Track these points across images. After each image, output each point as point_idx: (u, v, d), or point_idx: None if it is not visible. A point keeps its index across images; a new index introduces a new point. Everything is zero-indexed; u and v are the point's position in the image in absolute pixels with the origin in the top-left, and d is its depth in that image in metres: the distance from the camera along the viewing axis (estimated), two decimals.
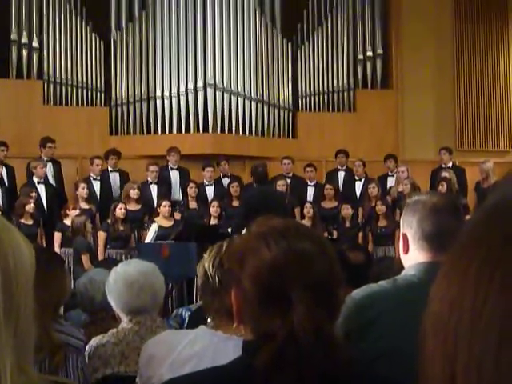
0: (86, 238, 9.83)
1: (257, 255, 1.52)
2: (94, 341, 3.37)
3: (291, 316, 1.45)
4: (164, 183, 11.94)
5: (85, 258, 9.50)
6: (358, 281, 3.00)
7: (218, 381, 1.54)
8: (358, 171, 12.46)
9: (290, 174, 12.34)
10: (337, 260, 1.58)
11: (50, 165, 11.77)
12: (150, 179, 11.82)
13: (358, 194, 12.34)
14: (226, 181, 12.11)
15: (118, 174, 12.06)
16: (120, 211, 10.46)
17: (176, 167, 12.23)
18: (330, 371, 1.44)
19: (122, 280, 3.36)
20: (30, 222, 10.23)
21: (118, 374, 3.30)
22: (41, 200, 11.03)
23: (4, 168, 11.40)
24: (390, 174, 12.50)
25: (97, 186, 11.67)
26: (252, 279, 1.51)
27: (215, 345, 2.45)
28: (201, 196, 11.74)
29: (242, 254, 1.55)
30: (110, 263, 6.58)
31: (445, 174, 11.69)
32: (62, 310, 4.10)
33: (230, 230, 9.64)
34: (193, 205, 11.49)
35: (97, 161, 11.75)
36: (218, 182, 12.15)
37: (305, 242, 1.54)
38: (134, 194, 11.09)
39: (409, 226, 2.52)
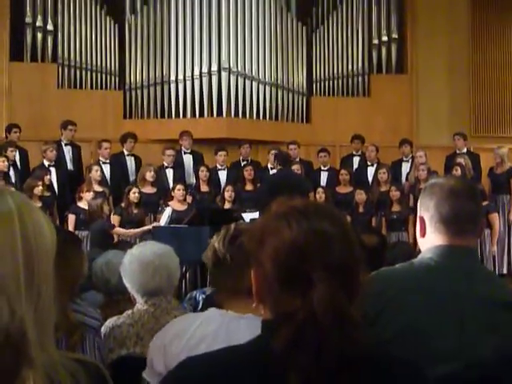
0: (103, 220, 9.88)
1: (277, 235, 1.52)
2: (110, 322, 3.39)
3: (311, 296, 1.44)
4: (179, 167, 11.94)
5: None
6: (372, 264, 3.00)
7: (237, 359, 1.54)
8: (371, 156, 12.42)
9: (297, 159, 12.28)
10: (357, 241, 1.57)
11: (69, 148, 11.81)
12: (166, 163, 11.82)
13: (370, 179, 12.30)
14: (243, 165, 12.08)
15: (133, 158, 12.07)
16: (134, 195, 10.46)
17: (189, 151, 12.22)
18: (348, 352, 1.44)
19: (137, 261, 3.38)
20: (39, 205, 10.20)
21: (134, 355, 3.32)
22: (52, 183, 11.05)
23: (17, 151, 11.44)
24: (404, 159, 12.46)
25: (106, 169, 11.67)
26: (272, 259, 1.51)
27: (227, 324, 2.47)
28: (214, 180, 11.74)
29: (262, 234, 1.55)
30: (124, 245, 6.60)
31: (459, 159, 11.64)
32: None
33: (243, 214, 9.67)
34: (204, 188, 11.49)
35: (105, 144, 11.74)
36: (234, 166, 12.11)
37: (326, 223, 1.54)
38: (149, 176, 11.10)
39: (426, 209, 2.51)
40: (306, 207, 1.57)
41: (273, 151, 11.85)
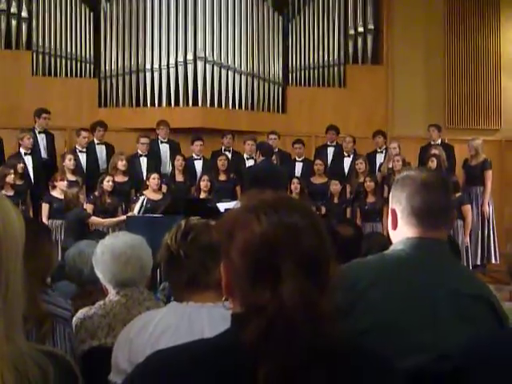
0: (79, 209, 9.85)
1: (247, 228, 1.52)
2: (81, 313, 3.37)
3: (281, 289, 1.44)
4: (153, 156, 11.90)
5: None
6: (348, 255, 3.01)
7: (207, 352, 1.53)
8: (348, 147, 12.44)
9: (276, 150, 12.28)
10: (327, 234, 1.57)
11: (42, 136, 11.73)
12: (140, 151, 11.78)
13: (346, 170, 12.33)
14: (228, 154, 12.05)
15: (104, 147, 12.00)
16: (108, 184, 10.44)
17: (166, 140, 12.19)
18: (319, 345, 1.44)
19: (109, 252, 3.36)
20: (11, 193, 10.15)
21: (105, 346, 3.30)
22: (27, 171, 10.99)
23: None
24: (378, 150, 12.50)
25: (83, 158, 11.61)
26: (241, 252, 1.51)
27: (188, 314, 2.54)
28: (189, 170, 11.71)
29: (232, 228, 1.54)
30: (99, 235, 6.57)
31: (434, 150, 11.69)
32: (49, 280, 4.09)
33: (218, 204, 9.66)
34: (179, 178, 11.47)
35: (83, 133, 11.68)
36: (215, 156, 12.06)
37: (296, 216, 1.54)
38: (121, 165, 11.06)
39: (398, 202, 2.52)
40: (276, 201, 1.57)
41: (250, 142, 11.85)
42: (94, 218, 10.11)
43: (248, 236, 1.51)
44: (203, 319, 2.50)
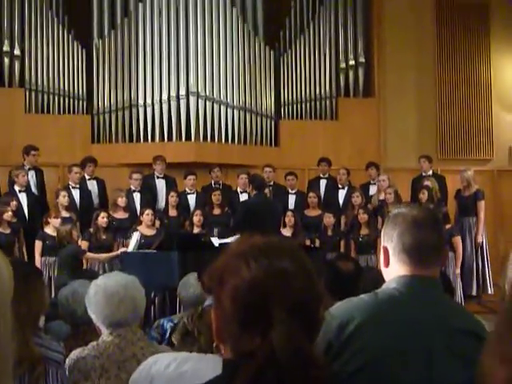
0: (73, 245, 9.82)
1: (236, 274, 1.52)
2: (74, 354, 3.35)
3: (271, 336, 1.44)
4: (147, 191, 11.91)
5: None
6: (348, 290, 3.00)
7: None
8: (342, 179, 12.47)
9: (271, 182, 12.33)
10: (317, 277, 1.58)
11: (32, 173, 11.71)
12: (133, 187, 11.78)
13: (341, 202, 12.34)
14: (211, 189, 12.06)
15: (95, 182, 12.02)
16: (102, 220, 10.42)
17: (162, 176, 12.20)
18: None
19: (102, 292, 3.35)
20: (8, 231, 10.16)
21: None
22: (22, 209, 10.97)
23: None
24: (371, 182, 12.53)
25: (76, 194, 11.60)
26: (231, 298, 1.51)
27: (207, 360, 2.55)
28: (183, 204, 11.71)
29: (222, 273, 1.55)
30: (91, 274, 6.55)
31: (426, 182, 11.72)
32: (42, 320, 4.07)
33: (212, 238, 9.65)
34: (173, 213, 11.46)
35: (75, 169, 11.68)
36: (205, 190, 12.08)
37: (286, 261, 1.54)
38: (121, 201, 11.07)
39: (389, 239, 2.52)
40: (266, 245, 1.57)
41: (243, 175, 11.87)
42: (89, 254, 10.10)
43: (237, 282, 1.51)
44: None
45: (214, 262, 1.58)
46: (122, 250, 10.27)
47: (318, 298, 1.56)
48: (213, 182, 12.30)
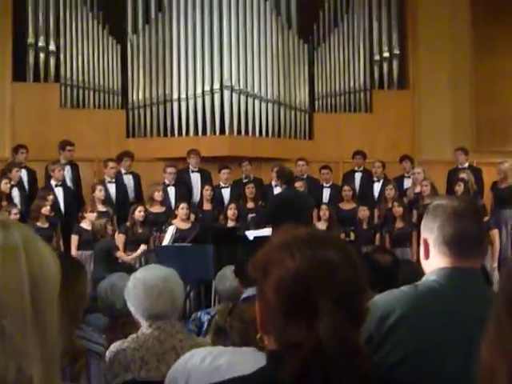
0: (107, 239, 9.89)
1: (281, 265, 1.52)
2: (114, 346, 3.38)
3: (317, 327, 1.44)
4: (182, 185, 11.95)
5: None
6: (385, 283, 2.99)
7: None
8: (377, 172, 12.43)
9: (305, 176, 12.32)
10: (362, 268, 1.57)
11: (68, 168, 11.82)
12: (167, 181, 11.83)
13: (375, 195, 12.30)
14: (244, 182, 12.08)
15: (131, 176, 12.10)
16: (139, 214, 10.46)
17: (197, 169, 12.24)
18: (355, 382, 1.43)
19: (141, 285, 3.37)
20: (46, 225, 10.26)
21: (139, 379, 3.32)
22: (58, 203, 11.07)
23: (25, 171, 11.50)
24: (406, 175, 12.47)
25: (112, 188, 11.69)
26: (276, 289, 1.51)
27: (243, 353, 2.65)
28: (217, 198, 11.74)
29: (266, 264, 1.54)
30: (128, 267, 6.60)
31: (462, 174, 11.64)
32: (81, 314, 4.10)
33: (246, 232, 9.66)
34: (207, 207, 11.50)
35: (111, 163, 11.77)
36: (237, 184, 12.12)
37: (330, 251, 1.54)
38: (158, 196, 11.12)
39: (429, 232, 2.50)
40: (310, 236, 1.57)
41: (275, 168, 11.88)
42: (118, 253, 10.12)
43: (282, 273, 1.51)
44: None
45: (258, 254, 1.58)
46: (143, 248, 10.27)
47: (363, 288, 1.55)
48: (243, 176, 12.31)
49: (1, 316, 1.01)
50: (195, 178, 12.21)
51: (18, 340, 1.19)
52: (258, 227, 9.92)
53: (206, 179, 12.07)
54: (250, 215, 11.06)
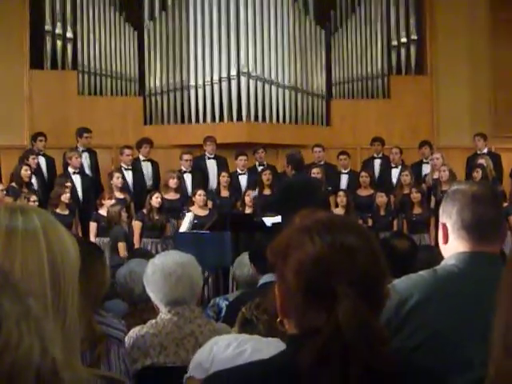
0: (122, 227, 9.89)
1: (301, 249, 1.52)
2: (134, 332, 3.40)
3: (336, 311, 1.44)
4: (199, 172, 11.96)
5: (121, 246, 9.51)
6: (403, 268, 2.99)
7: (262, 375, 1.54)
8: (395, 158, 12.39)
9: (322, 162, 12.29)
10: (382, 253, 1.57)
11: (86, 155, 11.86)
12: (184, 168, 11.84)
13: (394, 181, 12.26)
14: (261, 169, 12.07)
15: (149, 164, 12.13)
16: (156, 200, 10.48)
17: (213, 156, 12.24)
18: (375, 366, 1.43)
19: (159, 271, 3.38)
20: (66, 212, 10.31)
21: (158, 365, 3.33)
22: (76, 190, 11.11)
23: (44, 159, 11.55)
24: (424, 160, 12.42)
25: (128, 175, 11.72)
26: (296, 273, 1.51)
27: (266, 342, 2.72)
28: (234, 185, 11.75)
29: (286, 248, 1.54)
30: (144, 252, 6.61)
31: (481, 160, 11.58)
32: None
33: (264, 218, 9.67)
34: (224, 193, 11.51)
35: (127, 151, 11.81)
36: (251, 171, 12.12)
37: (350, 236, 1.54)
38: (173, 183, 11.13)
39: (448, 216, 2.49)
40: (330, 220, 1.57)
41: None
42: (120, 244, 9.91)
43: (301, 256, 1.51)
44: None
45: (278, 237, 1.58)
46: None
47: (382, 273, 1.55)
48: (257, 163, 12.30)
49: (25, 297, 1.02)
50: (211, 165, 12.22)
51: (42, 322, 1.20)
52: (263, 209, 9.94)
53: (222, 166, 12.07)
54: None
